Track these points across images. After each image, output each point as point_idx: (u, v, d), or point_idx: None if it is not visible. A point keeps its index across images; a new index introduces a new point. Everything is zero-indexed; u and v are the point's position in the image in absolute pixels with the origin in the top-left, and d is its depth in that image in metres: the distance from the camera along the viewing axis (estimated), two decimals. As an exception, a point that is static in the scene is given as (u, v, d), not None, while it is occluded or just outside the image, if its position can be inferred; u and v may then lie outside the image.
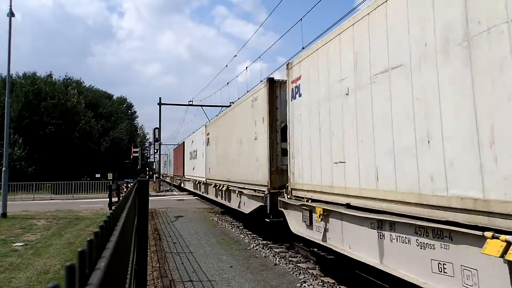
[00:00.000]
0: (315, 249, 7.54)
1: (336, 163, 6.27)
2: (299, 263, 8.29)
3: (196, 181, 22.70)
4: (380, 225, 5.02)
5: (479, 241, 3.38)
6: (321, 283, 6.83)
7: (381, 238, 5.00)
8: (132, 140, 60.95)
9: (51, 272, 7.54)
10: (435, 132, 4.00)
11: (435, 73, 4.00)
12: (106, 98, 63.07)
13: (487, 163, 3.35)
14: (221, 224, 14.02)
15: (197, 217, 16.03)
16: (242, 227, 13.11)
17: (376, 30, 5.16)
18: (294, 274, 7.43)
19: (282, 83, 9.67)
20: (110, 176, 33.69)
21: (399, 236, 4.61)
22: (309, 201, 7.22)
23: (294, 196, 8.07)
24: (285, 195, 8.50)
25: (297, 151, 7.99)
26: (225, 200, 15.07)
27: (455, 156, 3.73)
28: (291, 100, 8.38)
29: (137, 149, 42.03)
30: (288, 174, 8.41)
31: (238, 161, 12.82)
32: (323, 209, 6.48)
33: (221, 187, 15.29)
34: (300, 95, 7.88)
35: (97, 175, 35.83)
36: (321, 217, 6.54)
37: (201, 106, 35.74)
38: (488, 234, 3.24)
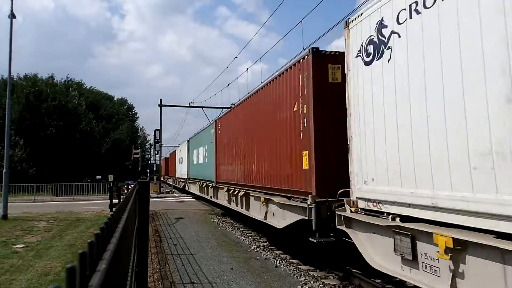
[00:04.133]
0: None
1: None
2: (300, 265, 8.28)
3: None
4: None
5: None
6: (322, 285, 6.81)
7: None
8: (133, 141, 61.01)
9: (52, 274, 7.54)
10: None
11: None
12: (107, 99, 63.18)
13: None
14: (222, 226, 14.01)
15: (198, 219, 16.02)
16: (242, 229, 13.11)
17: None
18: (295, 276, 7.42)
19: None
20: (110, 177, 33.72)
21: None
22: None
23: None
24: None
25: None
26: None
27: None
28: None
29: (137, 151, 42.03)
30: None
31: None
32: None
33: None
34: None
35: (98, 177, 35.86)
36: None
37: (202, 107, 35.77)
38: None
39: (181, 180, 32.03)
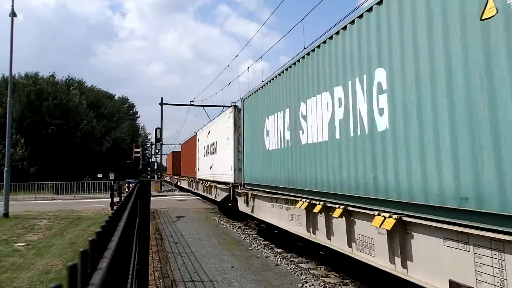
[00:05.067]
0: None
1: None
2: (301, 263, 8.29)
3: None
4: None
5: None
6: (322, 284, 6.82)
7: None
8: (134, 140, 60.99)
9: (53, 272, 7.55)
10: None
11: None
12: (108, 98, 63.21)
13: None
14: (223, 224, 14.02)
15: (199, 217, 16.03)
16: (243, 227, 13.11)
17: None
18: (296, 274, 7.42)
19: None
20: (111, 176, 33.76)
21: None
22: None
23: None
24: None
25: None
26: None
27: None
28: None
29: (138, 149, 42.06)
30: None
31: None
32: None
33: None
34: None
35: (99, 175, 35.91)
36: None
37: (203, 106, 35.79)
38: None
39: (217, 185, 16.24)
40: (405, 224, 4.63)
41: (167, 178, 52.21)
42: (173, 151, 44.32)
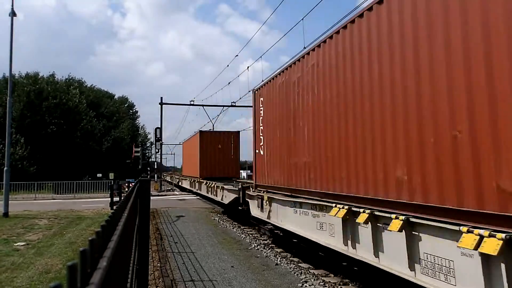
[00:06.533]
0: None
1: None
2: (300, 263, 8.29)
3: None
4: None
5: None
6: (322, 283, 6.82)
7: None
8: (134, 140, 60.97)
9: (53, 271, 7.56)
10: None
11: None
12: (108, 97, 63.19)
13: None
14: (223, 223, 14.03)
15: (198, 216, 16.03)
16: (243, 227, 13.12)
17: None
18: (296, 274, 7.43)
19: None
20: (111, 175, 33.74)
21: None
22: None
23: None
24: None
25: None
26: None
27: None
28: None
29: (138, 149, 42.03)
30: None
31: None
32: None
33: None
34: None
35: (99, 175, 35.88)
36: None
37: (203, 106, 35.66)
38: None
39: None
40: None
41: (185, 184, 31.07)
42: (200, 130, 24.09)
